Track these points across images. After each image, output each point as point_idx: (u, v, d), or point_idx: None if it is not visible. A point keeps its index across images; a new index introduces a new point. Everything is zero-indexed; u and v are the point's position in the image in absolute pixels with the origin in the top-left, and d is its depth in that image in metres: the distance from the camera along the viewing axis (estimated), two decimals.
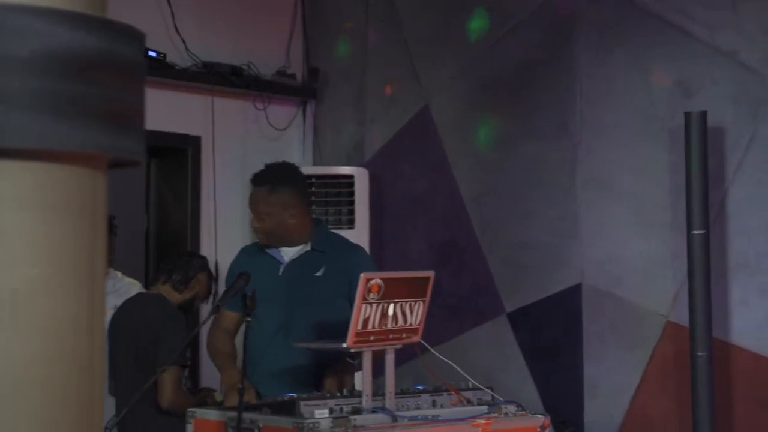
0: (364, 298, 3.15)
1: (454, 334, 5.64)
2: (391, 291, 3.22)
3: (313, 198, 5.58)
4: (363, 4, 6.07)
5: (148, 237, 5.74)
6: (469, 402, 3.55)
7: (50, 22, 1.82)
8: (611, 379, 5.19)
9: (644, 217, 5.14)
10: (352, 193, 5.60)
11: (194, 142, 5.62)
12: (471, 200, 5.60)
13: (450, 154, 5.68)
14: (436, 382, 3.62)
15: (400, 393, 3.48)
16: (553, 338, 5.37)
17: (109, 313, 4.89)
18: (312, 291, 3.81)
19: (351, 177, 5.60)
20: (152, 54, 5.26)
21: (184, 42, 5.47)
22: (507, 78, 5.52)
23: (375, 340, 3.22)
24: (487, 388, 3.65)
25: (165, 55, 5.32)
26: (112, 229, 5.14)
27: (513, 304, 5.47)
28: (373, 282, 3.16)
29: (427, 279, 3.32)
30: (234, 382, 3.68)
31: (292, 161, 5.93)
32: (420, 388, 3.61)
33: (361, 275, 3.15)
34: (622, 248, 5.19)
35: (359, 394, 3.32)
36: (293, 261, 3.92)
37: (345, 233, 5.51)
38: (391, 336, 3.27)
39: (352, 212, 5.61)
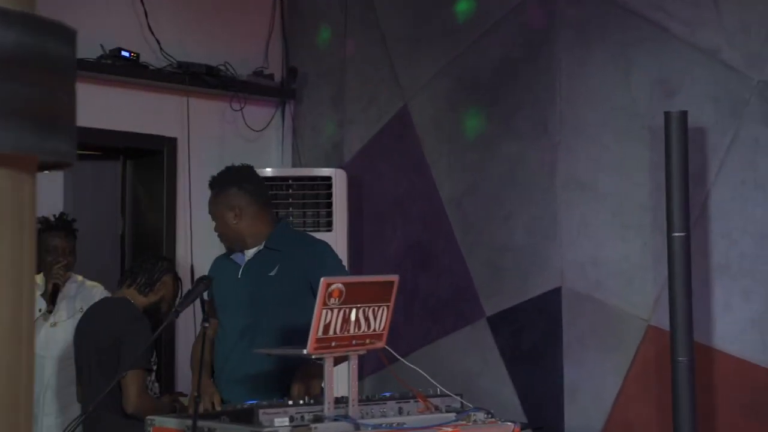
0: (325, 303, 3.07)
1: (433, 338, 5.56)
2: (354, 296, 3.13)
3: (290, 200, 5.51)
4: (342, 4, 5.99)
5: (123, 240, 5.65)
6: (437, 409, 3.47)
7: None
8: (591, 384, 5.11)
9: (625, 219, 5.05)
10: (330, 195, 5.51)
11: (170, 143, 5.54)
12: (450, 201, 5.52)
13: (429, 155, 5.60)
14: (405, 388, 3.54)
15: (365, 400, 3.40)
16: (533, 342, 5.28)
17: (76, 317, 4.83)
18: (269, 292, 3.73)
19: (329, 179, 5.52)
20: (125, 54, 5.18)
21: (158, 42, 5.39)
22: (486, 77, 5.44)
23: (337, 346, 3.14)
24: (456, 394, 3.56)
25: (138, 55, 5.24)
26: (72, 232, 5.08)
27: (493, 308, 5.39)
28: (333, 287, 3.07)
29: (391, 283, 3.24)
30: (202, 388, 3.61)
31: (270, 163, 5.89)
32: (387, 395, 3.52)
33: (321, 279, 3.07)
34: (602, 250, 5.11)
35: (341, 399, 3.25)
36: (249, 262, 3.85)
37: (323, 235, 5.42)
38: (354, 342, 3.19)
39: (330, 214, 5.52)
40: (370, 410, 3.32)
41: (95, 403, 3.24)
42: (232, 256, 3.88)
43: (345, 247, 5.53)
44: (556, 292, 5.18)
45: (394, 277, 3.27)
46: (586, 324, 5.14)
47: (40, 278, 5.09)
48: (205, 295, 3.38)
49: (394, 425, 3.22)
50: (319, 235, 5.40)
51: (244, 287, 3.79)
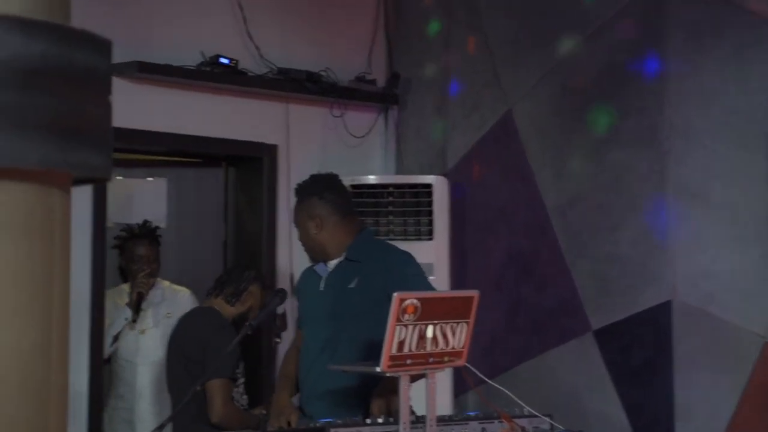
0: (399, 319, 2.94)
1: (536, 352, 5.37)
2: (430, 312, 3.00)
3: (390, 208, 5.40)
4: (446, 8, 5.86)
5: (226, 247, 5.64)
6: (524, 430, 3.31)
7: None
8: (705, 404, 4.84)
9: (740, 229, 4.78)
10: (431, 203, 5.38)
11: (270, 150, 5.49)
12: (555, 210, 5.32)
13: (533, 162, 5.41)
14: (504, 408, 3.39)
15: (447, 420, 3.27)
16: (642, 358, 5.04)
17: (163, 324, 4.84)
18: (349, 304, 3.62)
19: (430, 186, 5.38)
20: (224, 61, 5.15)
21: (257, 48, 5.36)
22: (592, 82, 5.23)
23: (412, 364, 3.01)
24: (546, 415, 3.39)
25: (237, 62, 5.21)
26: (156, 239, 5.10)
27: (599, 322, 5.17)
28: (408, 302, 2.95)
29: (470, 299, 3.09)
30: (279, 406, 3.54)
31: (372, 170, 5.79)
32: (470, 414, 3.38)
33: (394, 295, 2.94)
34: (716, 262, 4.84)
35: (419, 419, 3.13)
36: (330, 274, 3.75)
37: (423, 244, 5.32)
38: (431, 360, 3.05)
39: (431, 222, 5.39)
40: (450, 431, 3.18)
41: (174, 412, 3.18)
42: (315, 267, 3.79)
43: (446, 257, 5.39)
44: (667, 306, 4.93)
45: (474, 293, 3.13)
46: (698, 340, 4.88)
47: (126, 287, 5.13)
48: (280, 308, 3.29)
49: None
50: (419, 244, 5.31)
51: (325, 299, 3.70)
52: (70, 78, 1.83)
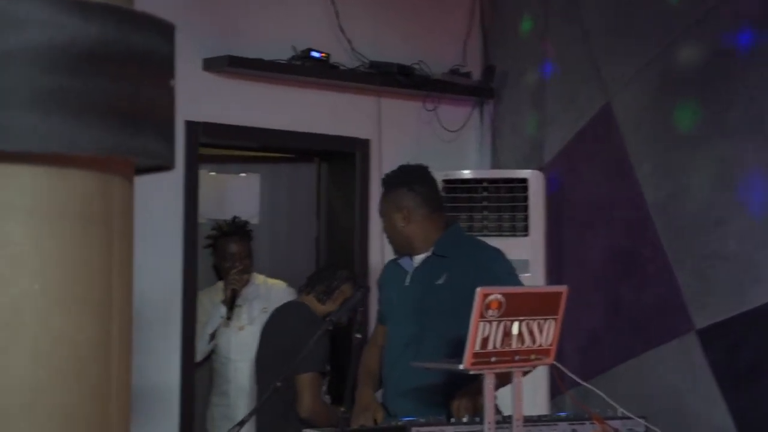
0: (482, 315, 2.83)
1: (637, 352, 5.18)
2: (515, 307, 2.88)
3: (485, 203, 5.27)
4: None
5: (318, 243, 5.59)
6: None
7: (56, 11, 1.64)
8: None
9: None
10: (526, 198, 5.23)
11: (363, 145, 5.42)
12: (656, 205, 5.12)
13: (633, 156, 5.22)
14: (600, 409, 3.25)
15: (536, 420, 3.14)
16: (749, 359, 4.82)
17: (260, 319, 4.82)
18: (436, 301, 3.50)
19: (525, 181, 5.24)
20: (315, 54, 5.10)
21: (349, 41, 5.29)
22: (696, 71, 5.02)
23: (497, 362, 2.89)
24: (640, 417, 3.23)
25: (329, 56, 5.15)
26: (247, 235, 5.07)
27: (703, 321, 4.96)
28: (491, 298, 2.83)
29: (558, 295, 2.96)
30: (364, 403, 3.46)
31: (467, 164, 5.67)
32: (561, 414, 3.24)
33: (477, 290, 2.83)
34: None
35: (506, 419, 3.02)
36: (417, 270, 3.64)
37: (519, 241, 5.18)
38: (516, 357, 2.93)
39: (526, 218, 5.24)
40: (538, 431, 3.06)
41: (258, 405, 3.12)
42: (399, 261, 3.69)
43: (542, 254, 5.24)
44: None
45: (563, 288, 3.00)
46: None
47: (221, 285, 5.12)
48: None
49: None
50: (514, 240, 5.17)
51: (411, 295, 3.60)
52: (128, 62, 1.77)
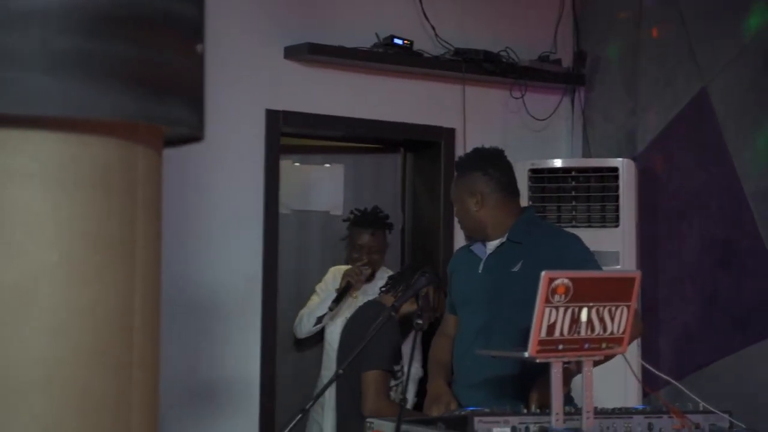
0: (548, 300, 2.69)
1: (735, 348, 4.94)
2: (584, 293, 2.73)
3: (573, 193, 5.11)
4: None
5: (403, 234, 5.50)
6: (698, 428, 2.98)
7: None
8: None
9: None
10: (617, 188, 5.03)
11: (448, 134, 5.30)
12: (755, 195, 4.87)
13: (731, 143, 4.97)
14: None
15: (610, 413, 2.98)
16: None
17: None
18: (510, 289, 3.36)
19: (616, 170, 5.04)
20: (398, 42, 5.00)
21: (433, 28, 5.18)
22: None
23: (564, 350, 2.75)
24: (724, 411, 3.04)
25: (412, 43, 5.05)
26: (381, 228, 4.95)
27: None
28: (558, 282, 2.69)
29: (631, 280, 2.80)
30: (435, 393, 3.34)
31: (557, 153, 5.50)
32: (638, 408, 3.08)
33: (543, 273, 2.69)
34: None
35: (578, 411, 2.87)
36: (491, 256, 3.50)
37: (609, 231, 4.99)
38: (586, 345, 2.78)
39: (617, 209, 5.04)
40: (611, 424, 2.90)
41: (319, 393, 3.03)
42: (472, 248, 3.57)
43: (634, 245, 5.03)
44: None
45: (635, 273, 2.84)
46: None
47: (333, 271, 4.99)
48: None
49: None
50: (604, 231, 4.99)
51: (484, 283, 3.47)
52: (150, 24, 1.69)
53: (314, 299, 4.98)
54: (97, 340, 1.65)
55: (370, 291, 4.90)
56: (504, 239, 3.50)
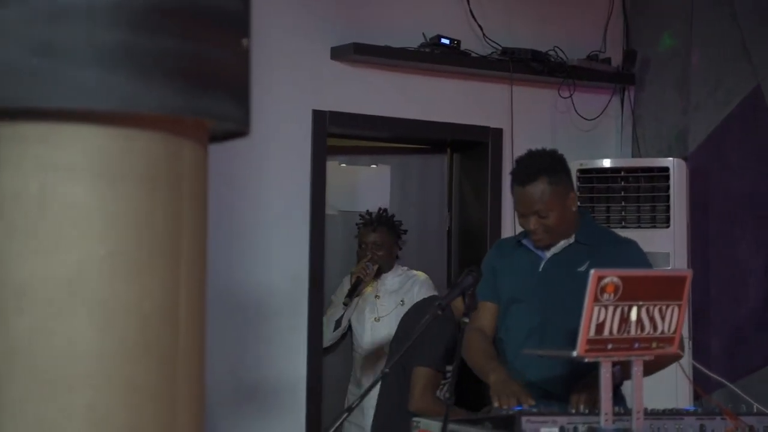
0: (596, 299, 2.65)
1: None
2: (633, 292, 2.68)
3: (623, 193, 5.05)
4: None
5: (450, 236, 5.47)
6: (752, 430, 2.92)
7: None
8: None
9: None
10: (668, 188, 4.97)
11: (495, 134, 5.27)
12: None
13: None
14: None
15: (660, 413, 2.93)
16: None
17: (398, 311, 4.74)
18: (573, 288, 3.29)
19: (666, 170, 4.98)
20: (445, 41, 4.98)
21: (481, 28, 5.14)
22: None
23: (614, 349, 2.71)
24: None
25: (459, 42, 5.02)
26: (389, 227, 5.01)
27: None
28: (607, 280, 2.65)
29: (682, 279, 2.75)
30: (502, 378, 3.21)
31: (606, 154, 5.44)
32: (689, 409, 3.03)
33: (592, 272, 2.66)
34: None
35: (627, 412, 2.83)
36: (555, 256, 3.44)
37: (659, 232, 4.93)
38: (636, 345, 2.74)
39: (667, 209, 4.98)
40: (662, 425, 2.86)
41: (365, 392, 3.00)
42: (525, 241, 3.51)
43: (685, 246, 4.96)
44: None
45: (687, 272, 2.79)
46: None
47: (346, 280, 5.07)
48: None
49: None
50: (654, 232, 4.93)
51: (543, 283, 3.41)
52: (195, 19, 1.68)
53: (330, 309, 5.03)
54: (143, 334, 1.65)
55: (390, 287, 4.93)
56: (571, 240, 3.45)
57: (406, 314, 4.28)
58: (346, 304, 4.91)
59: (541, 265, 3.45)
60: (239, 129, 1.81)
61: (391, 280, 5.03)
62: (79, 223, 1.62)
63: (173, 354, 1.74)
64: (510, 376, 3.25)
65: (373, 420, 4.12)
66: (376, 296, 4.99)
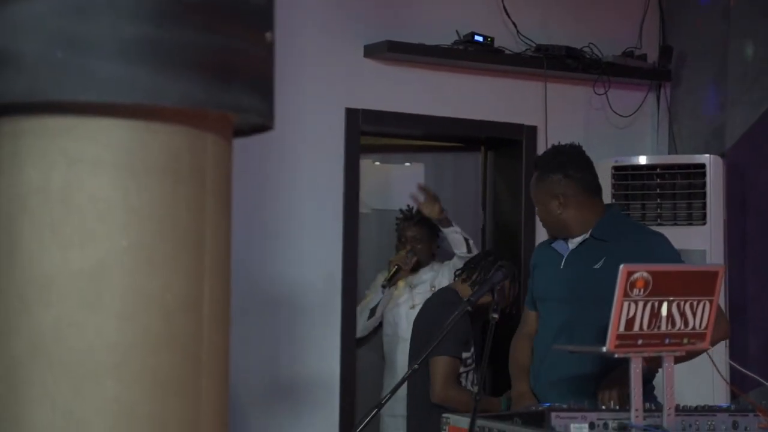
0: (627, 294, 2.63)
1: None
2: (664, 287, 2.67)
3: (658, 190, 5.01)
4: None
5: (484, 233, 5.45)
6: None
7: None
8: None
9: None
10: (704, 185, 4.92)
11: (529, 132, 5.24)
12: None
13: None
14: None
15: (692, 410, 2.91)
16: None
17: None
18: (592, 286, 3.29)
19: (703, 166, 4.93)
20: (479, 39, 4.96)
21: (515, 24, 5.12)
22: None
23: (644, 345, 2.69)
24: None
25: (492, 40, 5.00)
26: (425, 222, 5.01)
27: None
28: (637, 275, 2.63)
29: (713, 274, 2.72)
30: (520, 392, 3.29)
31: (642, 151, 5.40)
32: (722, 406, 3.00)
33: (621, 267, 2.64)
34: None
35: (658, 408, 2.81)
36: (573, 253, 3.43)
37: (696, 229, 4.89)
38: (667, 341, 2.71)
39: (704, 206, 4.93)
40: (694, 422, 2.83)
41: (395, 388, 2.99)
42: (553, 245, 3.51)
43: (721, 243, 4.91)
44: None
45: (719, 267, 2.77)
46: None
47: (381, 274, 5.07)
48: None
49: None
50: (691, 229, 4.88)
51: (565, 279, 3.41)
52: (218, 12, 1.69)
53: (364, 300, 5.06)
54: (167, 326, 1.66)
55: (427, 276, 4.94)
56: (587, 236, 3.44)
57: (423, 307, 4.28)
58: (384, 286, 4.94)
59: (562, 263, 3.45)
60: (264, 123, 1.82)
61: (426, 272, 5.05)
62: (102, 217, 1.63)
63: (197, 347, 1.74)
64: (529, 389, 3.31)
65: (407, 411, 4.13)
66: (411, 286, 5.00)
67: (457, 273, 4.25)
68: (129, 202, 1.64)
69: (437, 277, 4.94)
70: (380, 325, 5.12)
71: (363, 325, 5.04)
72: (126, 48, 1.57)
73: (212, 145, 1.77)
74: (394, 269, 4.95)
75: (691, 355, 2.95)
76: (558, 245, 3.49)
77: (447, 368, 3.77)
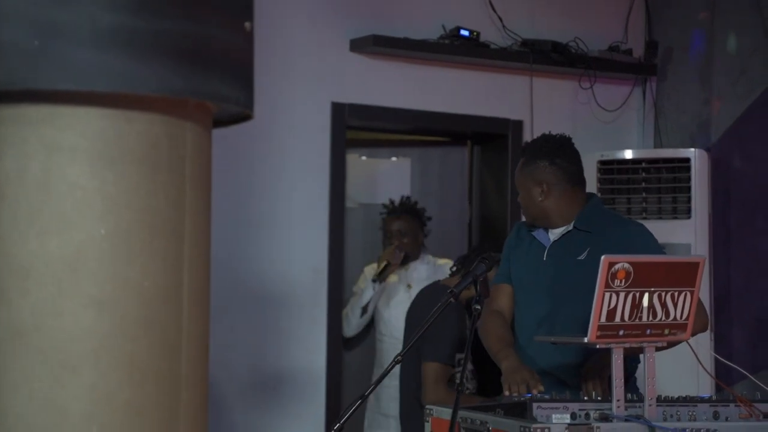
0: (608, 285, 2.65)
1: None
2: (644, 278, 2.68)
3: (644, 184, 5.03)
4: None
5: (471, 228, 5.46)
6: (766, 417, 2.90)
7: None
8: None
9: None
10: (689, 179, 4.94)
11: (515, 126, 5.25)
12: None
13: None
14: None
15: (673, 400, 2.92)
16: None
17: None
18: (575, 278, 3.29)
19: (688, 161, 4.95)
20: (464, 33, 4.97)
21: (500, 19, 5.13)
22: None
23: (626, 335, 2.70)
24: None
25: (478, 34, 5.01)
26: (414, 214, 5.01)
27: None
28: (618, 266, 2.64)
29: (694, 265, 2.73)
30: (513, 366, 3.19)
31: (628, 145, 5.42)
32: (704, 396, 3.01)
33: (602, 258, 2.65)
34: None
35: (640, 398, 2.82)
36: (555, 244, 3.43)
37: (681, 223, 4.91)
38: (648, 332, 2.72)
39: (689, 200, 4.95)
40: (674, 412, 2.85)
41: (378, 380, 2.97)
42: (534, 234, 3.51)
43: (706, 237, 4.93)
44: None
45: (700, 258, 2.77)
46: None
47: (367, 270, 5.06)
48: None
49: (701, 431, 2.72)
50: (676, 223, 4.90)
51: (548, 271, 3.41)
52: (194, 1, 1.71)
53: (353, 299, 5.05)
54: (145, 313, 1.66)
55: (418, 275, 4.94)
56: (570, 227, 3.44)
57: (413, 303, 4.27)
58: (374, 281, 4.93)
59: (544, 254, 3.45)
60: (243, 112, 1.82)
61: (420, 268, 5.03)
62: (80, 205, 1.63)
63: (176, 335, 1.74)
64: (522, 362, 3.25)
65: (400, 407, 4.13)
66: (408, 285, 4.98)
67: (452, 269, 4.25)
68: (107, 190, 1.65)
69: (435, 276, 4.93)
70: (371, 322, 5.11)
71: (357, 323, 5.03)
72: (103, 36, 1.58)
73: (191, 134, 1.77)
74: (383, 264, 4.95)
75: (671, 344, 2.96)
76: (539, 234, 3.49)
77: (438, 373, 3.76)
